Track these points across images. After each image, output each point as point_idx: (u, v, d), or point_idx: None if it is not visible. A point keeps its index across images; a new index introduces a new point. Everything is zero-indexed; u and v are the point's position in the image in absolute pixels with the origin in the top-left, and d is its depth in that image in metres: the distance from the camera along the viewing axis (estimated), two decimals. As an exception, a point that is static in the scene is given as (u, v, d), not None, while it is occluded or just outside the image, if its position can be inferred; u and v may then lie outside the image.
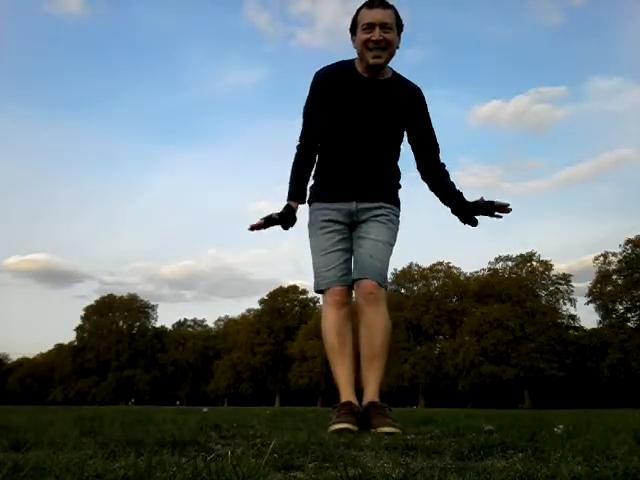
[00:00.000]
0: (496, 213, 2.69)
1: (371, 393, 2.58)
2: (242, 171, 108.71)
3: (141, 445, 1.61)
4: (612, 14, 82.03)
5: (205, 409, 8.37)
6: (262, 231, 2.70)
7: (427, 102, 2.78)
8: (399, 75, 2.76)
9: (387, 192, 2.80)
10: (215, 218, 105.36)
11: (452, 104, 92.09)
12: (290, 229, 2.74)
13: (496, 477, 1.12)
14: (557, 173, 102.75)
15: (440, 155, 2.85)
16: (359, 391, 2.63)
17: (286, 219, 2.72)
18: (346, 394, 2.58)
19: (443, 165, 2.85)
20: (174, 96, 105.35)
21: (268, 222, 2.68)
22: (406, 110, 2.72)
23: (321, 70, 2.74)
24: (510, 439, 1.87)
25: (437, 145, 2.83)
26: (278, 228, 2.72)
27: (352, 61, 2.73)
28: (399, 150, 2.82)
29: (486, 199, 2.69)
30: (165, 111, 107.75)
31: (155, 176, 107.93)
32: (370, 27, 2.58)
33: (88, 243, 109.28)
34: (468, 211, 2.74)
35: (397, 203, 2.85)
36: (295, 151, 2.83)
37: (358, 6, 2.69)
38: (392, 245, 2.76)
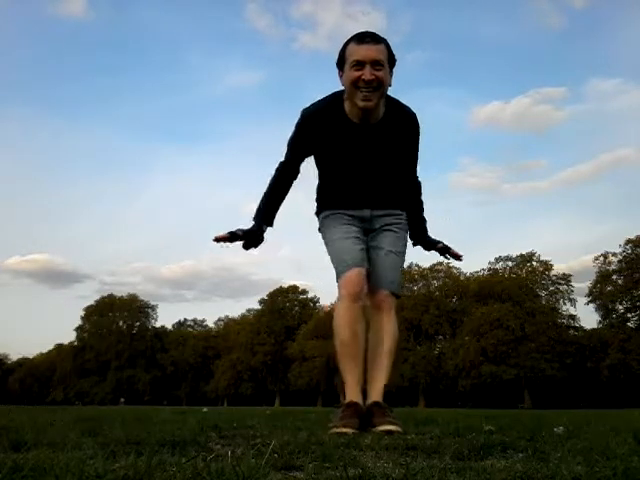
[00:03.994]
0: (447, 255, 2.88)
1: (375, 393, 2.57)
2: (242, 171, 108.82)
3: (141, 445, 1.61)
4: (612, 16, 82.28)
5: (205, 409, 8.37)
6: (228, 244, 2.52)
7: (420, 131, 2.72)
8: (394, 105, 2.62)
9: (398, 200, 2.82)
10: (215, 218, 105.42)
11: (453, 105, 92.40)
12: (252, 250, 2.59)
13: (496, 477, 1.12)
14: (557, 173, 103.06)
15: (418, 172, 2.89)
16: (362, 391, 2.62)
17: (252, 238, 2.55)
18: (353, 394, 2.52)
19: (418, 180, 2.90)
20: (175, 97, 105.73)
21: (233, 237, 2.52)
22: (400, 142, 2.67)
23: (308, 111, 2.61)
24: (510, 439, 1.87)
25: (416, 166, 2.85)
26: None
27: (341, 99, 2.57)
28: (405, 166, 2.82)
29: (445, 243, 2.88)
30: (166, 112, 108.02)
31: (155, 176, 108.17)
32: (360, 65, 2.40)
33: (88, 243, 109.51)
34: (425, 245, 2.89)
35: (404, 207, 2.86)
36: (275, 171, 2.70)
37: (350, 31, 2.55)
38: (404, 252, 2.82)
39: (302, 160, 2.72)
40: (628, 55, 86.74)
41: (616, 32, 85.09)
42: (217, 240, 2.50)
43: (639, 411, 9.94)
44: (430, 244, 2.88)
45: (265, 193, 2.68)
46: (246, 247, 2.57)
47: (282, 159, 2.72)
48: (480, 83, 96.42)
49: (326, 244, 2.77)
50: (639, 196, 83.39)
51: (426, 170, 2.98)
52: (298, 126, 2.64)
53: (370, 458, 1.46)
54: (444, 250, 2.87)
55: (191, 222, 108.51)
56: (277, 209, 2.68)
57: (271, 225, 2.65)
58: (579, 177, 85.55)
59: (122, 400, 58.20)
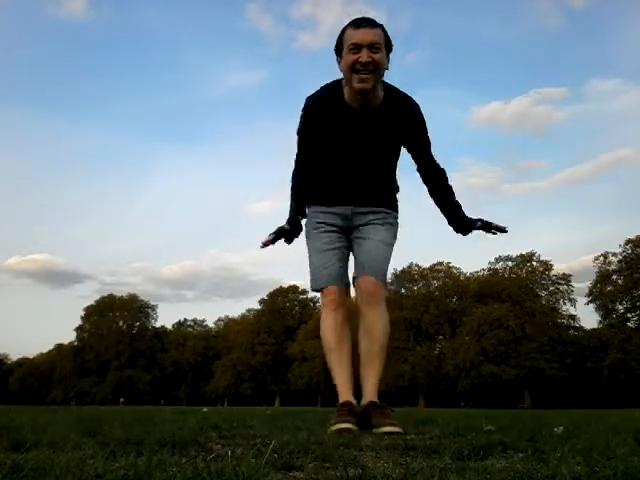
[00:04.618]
0: (492, 231, 2.79)
1: (370, 392, 2.57)
2: (242, 171, 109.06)
3: (141, 445, 1.61)
4: (611, 17, 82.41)
5: (205, 409, 8.37)
6: (272, 246, 2.72)
7: (423, 114, 2.67)
8: (392, 91, 2.63)
9: (383, 198, 2.78)
10: (215, 218, 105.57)
11: (453, 105, 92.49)
12: (295, 240, 2.76)
13: (496, 477, 1.12)
14: (557, 173, 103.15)
15: (437, 158, 2.78)
16: (358, 390, 2.62)
17: (295, 228, 2.73)
18: (345, 394, 2.57)
19: (440, 167, 2.78)
20: (175, 97, 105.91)
21: (278, 235, 2.70)
22: (401, 130, 2.64)
23: (312, 98, 2.65)
24: (510, 439, 1.86)
25: (430, 150, 2.74)
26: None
27: (340, 85, 2.61)
28: (396, 163, 2.79)
29: (485, 219, 2.78)
30: (166, 112, 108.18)
31: (155, 176, 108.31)
32: (357, 48, 2.44)
33: (89, 243, 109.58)
34: (465, 228, 2.77)
35: (394, 207, 2.83)
36: (294, 166, 2.81)
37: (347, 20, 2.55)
38: (391, 245, 2.75)
39: (312, 154, 2.74)
40: (628, 55, 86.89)
41: (616, 32, 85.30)
42: (265, 245, 2.69)
43: (639, 411, 9.94)
44: (470, 225, 2.76)
45: (291, 188, 2.82)
46: (290, 240, 2.75)
47: (296, 152, 2.78)
48: (480, 83, 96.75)
49: (307, 249, 2.80)
50: (639, 196, 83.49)
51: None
52: (303, 114, 2.68)
53: (370, 458, 1.46)
54: (487, 227, 2.77)
55: (191, 222, 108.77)
56: (305, 204, 2.83)
57: (304, 216, 2.81)
58: (579, 177, 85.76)
59: (122, 400, 58.06)
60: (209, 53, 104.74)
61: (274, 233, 2.69)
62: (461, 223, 2.77)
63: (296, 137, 2.75)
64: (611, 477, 1.09)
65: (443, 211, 2.79)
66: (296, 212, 2.76)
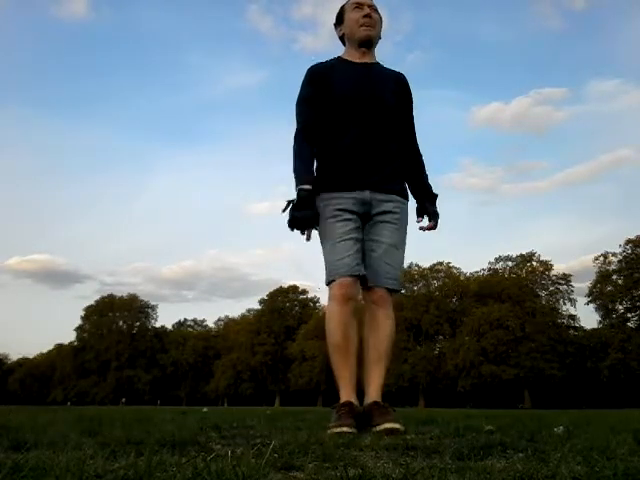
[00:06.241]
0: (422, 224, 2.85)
1: (374, 393, 2.55)
2: (242, 171, 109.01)
3: (141, 445, 1.61)
4: (611, 17, 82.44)
5: (205, 409, 8.37)
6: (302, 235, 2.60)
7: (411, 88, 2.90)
8: (383, 65, 2.90)
9: (398, 181, 2.77)
10: (215, 218, 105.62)
11: (453, 106, 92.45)
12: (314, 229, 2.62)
13: (496, 477, 1.12)
14: (557, 174, 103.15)
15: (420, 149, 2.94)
16: (360, 391, 2.61)
17: (308, 204, 2.55)
18: (346, 394, 2.53)
19: (421, 155, 2.93)
20: (176, 97, 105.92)
21: (311, 220, 2.55)
22: (395, 92, 2.79)
23: (313, 65, 2.82)
24: (510, 439, 1.86)
25: (414, 130, 2.91)
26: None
27: (339, 56, 2.87)
28: (405, 130, 2.84)
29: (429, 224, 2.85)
30: (166, 112, 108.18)
31: (156, 177, 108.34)
32: (359, 6, 2.82)
33: (89, 244, 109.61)
34: (424, 198, 2.87)
35: (406, 195, 2.81)
36: (294, 141, 2.70)
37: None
38: (404, 244, 2.73)
39: (316, 120, 2.71)
40: (628, 55, 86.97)
41: (616, 32, 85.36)
42: (309, 238, 2.62)
43: (639, 411, 9.93)
44: (426, 211, 2.85)
45: (296, 156, 2.68)
46: (310, 224, 2.61)
47: (296, 127, 2.74)
48: (480, 83, 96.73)
49: (321, 239, 2.67)
50: (639, 196, 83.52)
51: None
52: (306, 79, 2.78)
53: (370, 458, 1.46)
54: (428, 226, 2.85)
55: (191, 222, 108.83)
56: (312, 165, 2.74)
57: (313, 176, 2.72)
58: (579, 177, 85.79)
59: (123, 400, 58.05)
60: (209, 53, 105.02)
61: (306, 226, 2.57)
62: (422, 206, 2.87)
63: (296, 109, 2.75)
64: (611, 477, 1.09)
65: (414, 195, 2.90)
66: (308, 174, 2.63)
